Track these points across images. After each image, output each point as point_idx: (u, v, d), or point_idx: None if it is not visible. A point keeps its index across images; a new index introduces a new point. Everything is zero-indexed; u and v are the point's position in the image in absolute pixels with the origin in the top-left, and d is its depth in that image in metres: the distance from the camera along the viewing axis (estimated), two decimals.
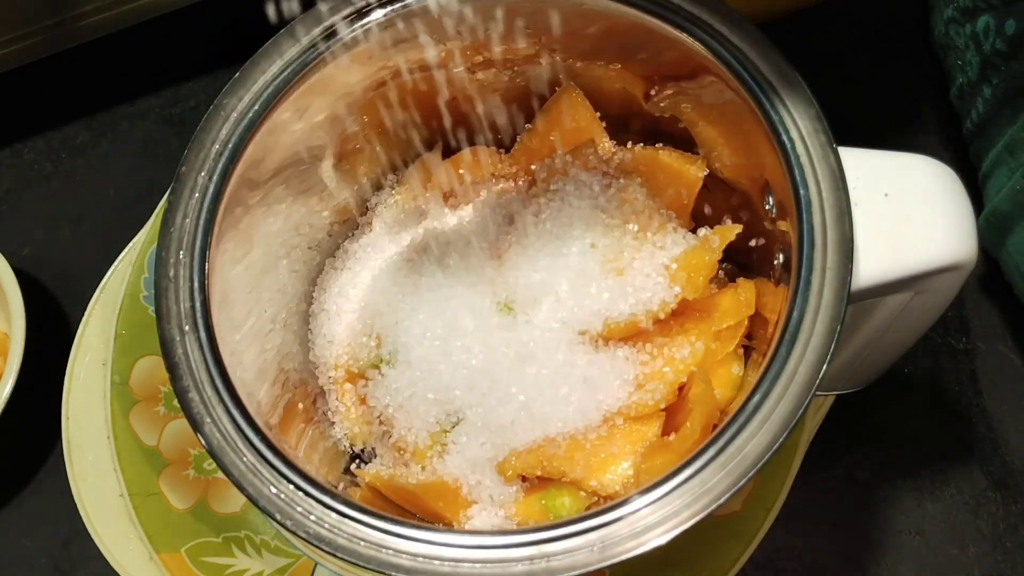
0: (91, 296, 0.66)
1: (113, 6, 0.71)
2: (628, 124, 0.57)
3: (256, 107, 0.48)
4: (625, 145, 0.56)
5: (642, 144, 0.55)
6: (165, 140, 0.78)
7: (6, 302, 0.66)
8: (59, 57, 0.75)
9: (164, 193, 0.63)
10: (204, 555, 0.60)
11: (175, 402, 0.44)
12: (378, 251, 0.57)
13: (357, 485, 0.52)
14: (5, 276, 0.66)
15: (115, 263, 0.66)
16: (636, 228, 0.50)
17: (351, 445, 0.56)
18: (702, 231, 0.52)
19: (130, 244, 0.66)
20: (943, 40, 0.66)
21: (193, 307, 0.45)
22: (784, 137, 0.45)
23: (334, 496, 0.42)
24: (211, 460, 0.45)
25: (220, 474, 0.43)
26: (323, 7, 0.50)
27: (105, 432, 0.62)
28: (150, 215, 0.66)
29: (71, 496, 0.62)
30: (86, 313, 0.65)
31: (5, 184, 0.77)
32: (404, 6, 0.49)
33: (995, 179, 0.63)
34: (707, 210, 0.56)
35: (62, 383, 0.64)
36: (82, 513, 0.61)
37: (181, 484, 0.61)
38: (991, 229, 0.62)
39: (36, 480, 0.69)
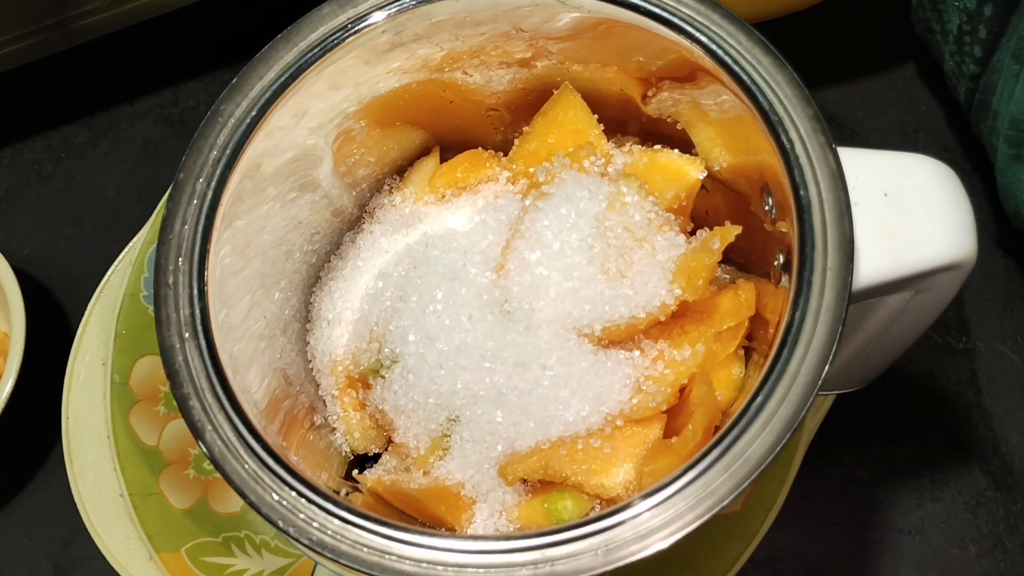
0: (91, 296, 0.66)
1: (113, 6, 0.71)
2: (626, 126, 0.57)
3: (254, 112, 0.48)
4: (623, 147, 0.55)
5: (640, 146, 0.55)
6: (165, 140, 0.78)
7: (6, 302, 0.66)
8: (59, 57, 0.75)
9: (164, 193, 0.63)
10: (204, 555, 0.60)
11: (175, 402, 0.44)
12: (377, 255, 0.57)
13: (359, 491, 0.52)
14: (5, 276, 0.66)
15: (115, 263, 0.66)
16: (635, 230, 0.50)
17: (352, 451, 0.56)
18: (701, 233, 0.52)
19: (130, 244, 0.66)
20: (936, 2, 0.66)
21: (193, 314, 0.45)
22: (783, 138, 0.45)
23: (336, 502, 0.42)
24: None
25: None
26: (321, 11, 0.50)
27: (105, 432, 0.63)
28: (150, 215, 0.66)
29: (71, 496, 0.62)
30: (86, 313, 0.66)
31: (5, 184, 0.77)
32: (403, 9, 0.49)
33: (1005, 91, 0.62)
34: (706, 211, 0.56)
35: (62, 383, 0.64)
36: (82, 513, 0.62)
37: (181, 484, 0.61)
38: (1011, 147, 0.62)
39: (36, 480, 0.69)
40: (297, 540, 0.41)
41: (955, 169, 0.46)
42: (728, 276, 0.54)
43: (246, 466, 0.42)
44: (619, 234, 0.50)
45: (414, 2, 0.49)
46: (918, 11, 0.69)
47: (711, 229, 0.51)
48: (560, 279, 0.50)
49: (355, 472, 0.55)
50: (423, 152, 0.60)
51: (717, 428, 0.45)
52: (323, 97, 0.51)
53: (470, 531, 0.49)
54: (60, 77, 0.80)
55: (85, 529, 0.61)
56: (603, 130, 0.56)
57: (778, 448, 0.40)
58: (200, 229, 0.46)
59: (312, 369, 0.56)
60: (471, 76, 0.55)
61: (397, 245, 0.57)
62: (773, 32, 0.47)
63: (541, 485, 0.50)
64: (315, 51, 0.49)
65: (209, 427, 0.43)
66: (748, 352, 0.51)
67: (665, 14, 0.48)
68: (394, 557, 0.40)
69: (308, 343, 0.56)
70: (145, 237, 0.65)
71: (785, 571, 0.63)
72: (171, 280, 0.46)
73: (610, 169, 0.54)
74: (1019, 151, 0.61)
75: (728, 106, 0.49)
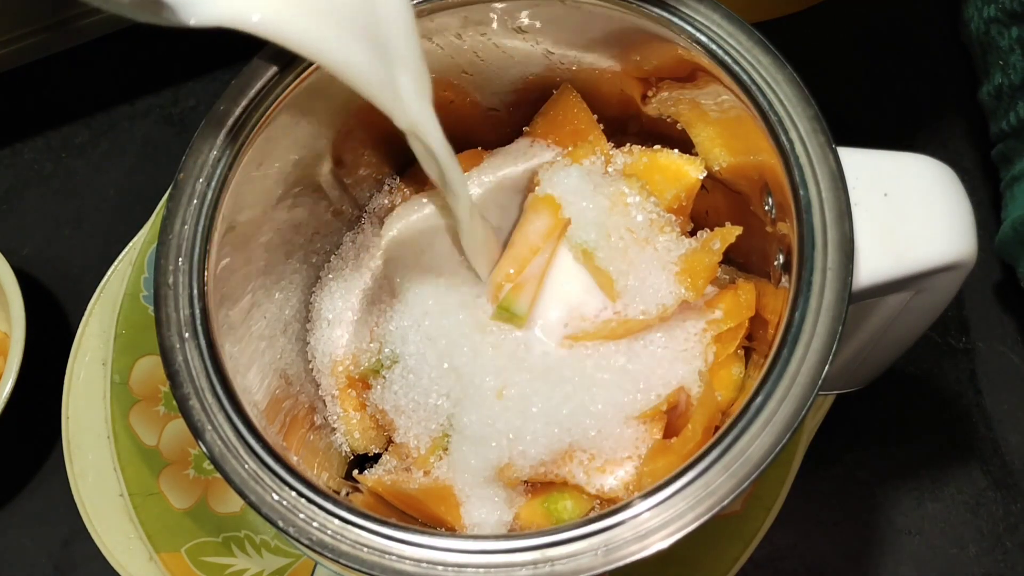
0: (91, 296, 0.66)
1: None
2: (626, 126, 0.57)
3: (254, 113, 0.48)
4: (623, 147, 0.55)
5: (640, 146, 0.55)
6: (165, 140, 0.78)
7: (6, 302, 0.66)
8: (59, 57, 0.75)
9: (164, 193, 0.63)
10: (204, 555, 0.60)
11: (175, 402, 0.44)
12: (377, 255, 0.57)
13: (359, 491, 0.52)
14: (5, 276, 0.66)
15: (115, 263, 0.66)
16: (636, 231, 0.50)
17: (352, 451, 0.56)
18: (701, 233, 0.52)
19: (130, 244, 0.66)
20: (981, 37, 0.65)
21: (193, 314, 0.45)
22: (783, 138, 0.45)
23: (336, 502, 0.42)
24: None
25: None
26: None
27: (105, 432, 0.63)
28: (150, 215, 0.66)
29: (71, 496, 0.62)
30: (86, 313, 0.66)
31: (5, 184, 0.77)
32: None
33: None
34: (706, 212, 0.56)
35: (62, 383, 0.64)
36: (82, 513, 0.62)
37: (181, 484, 0.61)
38: (1016, 238, 0.62)
39: (36, 480, 0.69)
40: (297, 540, 0.41)
41: (955, 169, 0.46)
42: (728, 276, 0.54)
43: (246, 466, 0.42)
44: (621, 235, 0.50)
45: (414, 2, 0.49)
46: (969, 25, 0.68)
47: (711, 229, 0.51)
48: (559, 280, 0.50)
49: (355, 472, 0.55)
50: None
51: (717, 428, 0.45)
52: (323, 97, 0.51)
53: (470, 531, 0.49)
54: (60, 77, 0.80)
55: (85, 529, 0.61)
56: (603, 130, 0.56)
57: (778, 448, 0.40)
58: (200, 229, 0.46)
59: (312, 369, 0.56)
60: (471, 76, 0.55)
61: (396, 246, 0.57)
62: (773, 32, 0.47)
63: (541, 485, 0.50)
64: None
65: (209, 427, 0.43)
66: (748, 352, 0.51)
67: (665, 14, 0.48)
68: (394, 557, 0.40)
69: (308, 343, 0.56)
70: (145, 237, 0.65)
71: (785, 571, 0.63)
72: (171, 280, 0.46)
73: (610, 169, 0.54)
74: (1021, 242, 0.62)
75: (728, 106, 0.49)
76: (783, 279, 0.46)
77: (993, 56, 0.64)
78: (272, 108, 0.48)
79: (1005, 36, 0.62)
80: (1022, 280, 0.63)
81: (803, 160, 0.44)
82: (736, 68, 0.46)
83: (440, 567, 0.40)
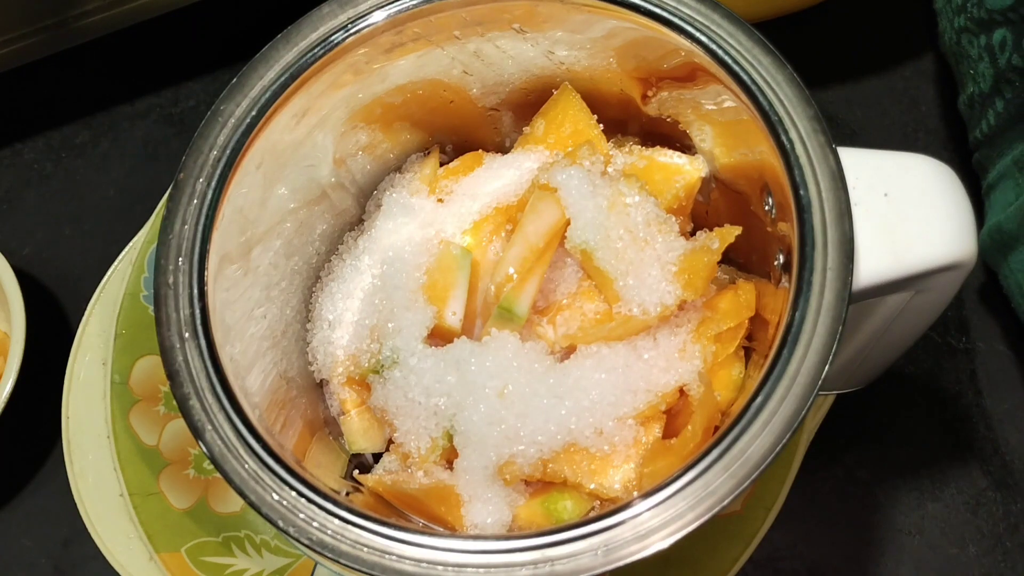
0: (91, 296, 0.66)
1: (113, 6, 0.71)
2: (626, 126, 0.57)
3: (254, 113, 0.48)
4: (623, 147, 0.55)
5: (640, 146, 0.55)
6: (165, 140, 0.78)
7: (6, 302, 0.66)
8: (59, 57, 0.75)
9: (164, 193, 0.63)
10: (204, 555, 0.60)
11: (175, 402, 0.44)
12: (376, 255, 0.57)
13: (359, 490, 0.52)
14: (5, 276, 0.66)
15: (115, 263, 0.66)
16: (635, 231, 0.50)
17: (353, 451, 0.56)
18: (701, 233, 0.52)
19: (130, 244, 0.66)
20: (954, 48, 0.65)
21: (193, 314, 0.45)
22: (783, 138, 0.45)
23: (336, 502, 0.42)
24: None
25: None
26: (321, 11, 0.50)
27: (105, 432, 0.63)
28: (150, 215, 0.66)
29: (71, 496, 0.62)
30: (86, 313, 0.66)
31: (5, 184, 0.77)
32: (403, 9, 0.49)
33: (1000, 192, 0.63)
34: (706, 212, 0.56)
35: (62, 383, 0.64)
36: (82, 513, 0.62)
37: (181, 484, 0.61)
38: (993, 245, 0.62)
39: (36, 480, 0.69)
40: (297, 540, 0.41)
41: (955, 169, 0.46)
42: (728, 276, 0.54)
43: (246, 466, 0.42)
44: (620, 235, 0.50)
45: (414, 2, 0.49)
46: (943, 37, 0.68)
47: (711, 229, 0.51)
48: (558, 281, 0.50)
49: (355, 472, 0.55)
50: (421, 154, 0.60)
51: (717, 428, 0.45)
52: (323, 97, 0.51)
53: (470, 531, 0.49)
54: (60, 77, 0.80)
55: (85, 529, 0.61)
56: (603, 130, 0.56)
57: (778, 448, 0.40)
58: (200, 229, 0.46)
59: (313, 370, 0.56)
60: (471, 76, 0.55)
61: (396, 246, 0.57)
62: (773, 32, 0.47)
63: (541, 485, 0.50)
64: (315, 51, 0.49)
65: (209, 427, 0.43)
66: (748, 352, 0.51)
67: (665, 14, 0.48)
68: (394, 557, 0.40)
69: (309, 343, 0.56)
70: (145, 237, 0.65)
71: (785, 571, 0.63)
72: (171, 280, 0.46)
73: (610, 169, 0.53)
74: (1003, 249, 0.62)
75: (728, 106, 0.49)
76: (783, 279, 0.46)
77: (965, 66, 0.65)
78: (272, 108, 0.48)
79: (975, 45, 0.62)
80: (1004, 286, 0.63)
81: (803, 160, 0.44)
82: (736, 68, 0.46)
83: (440, 567, 0.40)
